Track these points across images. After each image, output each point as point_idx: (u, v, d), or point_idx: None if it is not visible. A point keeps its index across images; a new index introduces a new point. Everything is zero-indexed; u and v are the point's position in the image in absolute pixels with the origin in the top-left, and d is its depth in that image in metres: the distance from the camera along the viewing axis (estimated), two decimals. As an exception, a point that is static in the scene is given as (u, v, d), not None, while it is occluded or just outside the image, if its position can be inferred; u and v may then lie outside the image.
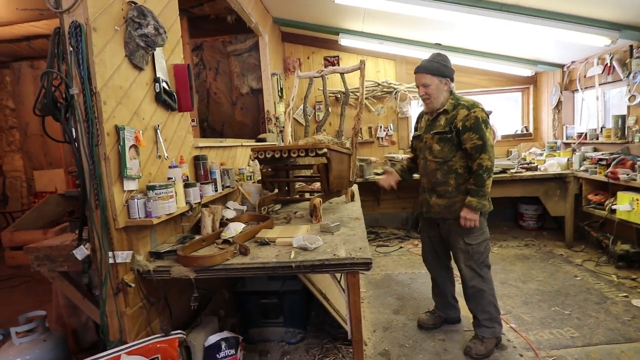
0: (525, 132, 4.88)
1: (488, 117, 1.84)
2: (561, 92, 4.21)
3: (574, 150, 3.87)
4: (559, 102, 4.27)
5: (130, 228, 1.34)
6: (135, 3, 1.42)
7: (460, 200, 1.88)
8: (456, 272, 2.10)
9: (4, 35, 4.26)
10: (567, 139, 4.19)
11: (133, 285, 1.31)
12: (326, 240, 1.53)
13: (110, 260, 1.26)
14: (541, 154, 4.18)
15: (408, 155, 2.37)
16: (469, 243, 1.91)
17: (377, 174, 4.26)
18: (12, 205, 5.58)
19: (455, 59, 4.32)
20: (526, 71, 4.48)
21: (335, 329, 2.28)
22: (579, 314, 2.35)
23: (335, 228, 1.69)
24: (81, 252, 1.26)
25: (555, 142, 4.26)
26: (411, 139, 2.26)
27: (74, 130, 1.24)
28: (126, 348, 1.25)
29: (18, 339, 1.77)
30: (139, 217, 1.31)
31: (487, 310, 1.95)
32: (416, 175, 2.21)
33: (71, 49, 1.18)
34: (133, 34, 1.37)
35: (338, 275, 1.46)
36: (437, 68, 1.86)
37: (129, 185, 1.31)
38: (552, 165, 3.74)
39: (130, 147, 1.30)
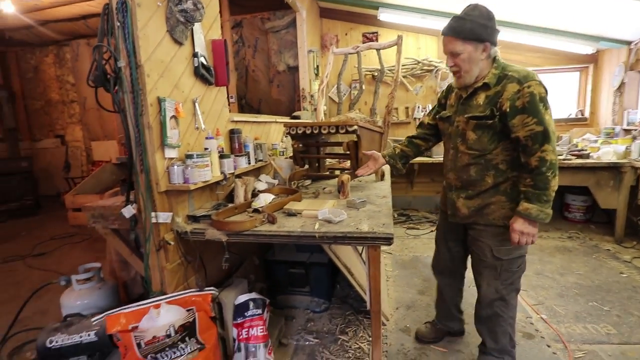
0: (580, 116, 4.48)
1: (547, 94, 1.37)
2: (625, 72, 3.78)
3: (634, 138, 3.50)
4: (622, 84, 3.85)
5: (171, 192, 1.46)
6: (176, -21, 1.48)
7: (497, 202, 1.48)
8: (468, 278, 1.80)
9: (64, 15, 4.61)
10: (627, 125, 3.79)
11: (172, 243, 1.45)
12: (351, 215, 1.57)
13: (153, 220, 1.39)
14: (595, 141, 3.84)
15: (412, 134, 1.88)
16: (498, 257, 1.50)
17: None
18: (73, 171, 6.21)
19: (504, 35, 4.03)
20: (586, 48, 4.05)
21: (359, 302, 2.35)
22: (619, 312, 2.22)
23: (361, 204, 1.72)
24: (128, 211, 1.40)
25: (613, 129, 3.87)
26: (430, 111, 1.80)
27: (121, 100, 1.35)
28: (166, 298, 1.40)
29: (78, 285, 2.04)
30: (178, 183, 1.43)
31: (499, 340, 1.61)
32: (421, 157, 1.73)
33: (118, 23, 1.28)
34: (173, 10, 1.44)
35: (360, 248, 1.50)
36: (471, 30, 1.37)
37: (170, 153, 1.43)
38: (607, 153, 3.42)
39: (171, 117, 1.40)
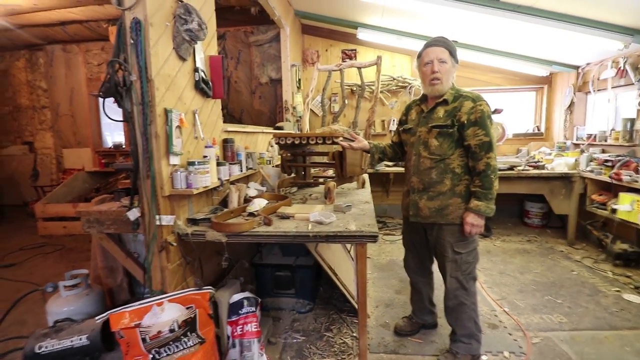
0: (536, 131, 4.95)
1: (491, 113, 1.71)
2: (574, 93, 4.27)
3: (582, 151, 3.95)
4: (572, 103, 4.34)
5: (173, 197, 1.57)
6: (182, 1, 1.62)
7: (454, 204, 1.72)
8: (437, 277, 2.02)
9: (41, 20, 4.55)
10: (576, 139, 4.27)
11: (175, 244, 1.55)
12: (339, 218, 1.74)
13: (157, 223, 1.49)
14: (550, 154, 4.28)
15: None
16: (458, 252, 1.76)
17: (387, 165, 4.43)
18: (42, 180, 5.97)
19: (470, 56, 4.44)
20: (541, 71, 4.54)
21: (342, 302, 2.50)
22: (570, 304, 2.52)
23: (346, 208, 1.89)
24: (133, 214, 1.49)
25: (565, 143, 4.34)
26: (395, 131, 2.06)
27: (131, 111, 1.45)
28: (169, 296, 1.49)
29: (65, 291, 2.05)
30: (181, 188, 1.54)
31: (467, 326, 1.83)
32: (388, 165, 1.95)
33: (132, 41, 1.39)
34: (180, 29, 1.57)
35: (348, 246, 1.66)
36: (453, 48, 1.70)
37: (174, 160, 1.54)
38: (559, 164, 3.84)
39: (176, 127, 1.52)
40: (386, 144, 2.10)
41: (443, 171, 1.73)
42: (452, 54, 1.70)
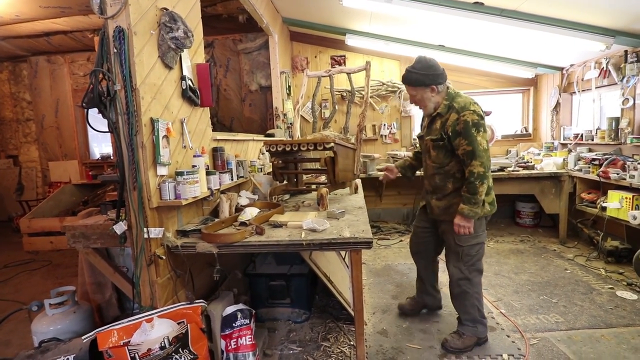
0: (524, 132, 5.02)
1: (481, 119, 1.77)
2: (560, 94, 4.35)
3: (569, 151, 4.01)
4: (558, 104, 4.41)
5: (161, 208, 1.52)
6: (167, 9, 1.59)
7: (458, 203, 1.85)
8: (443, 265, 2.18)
9: (25, 31, 4.46)
10: (564, 139, 4.34)
11: (164, 257, 1.50)
12: (332, 225, 1.71)
13: (145, 236, 1.44)
14: (539, 154, 4.33)
15: (411, 153, 2.41)
16: (459, 244, 1.91)
17: (379, 170, 4.42)
18: (27, 194, 5.81)
19: (457, 60, 4.50)
20: (527, 73, 4.61)
21: (338, 310, 2.46)
22: (565, 303, 2.52)
23: (340, 215, 1.87)
24: (120, 227, 1.44)
25: (553, 143, 4.41)
26: (415, 136, 2.31)
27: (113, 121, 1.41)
28: (158, 312, 1.44)
29: (51, 310, 1.97)
30: (170, 199, 1.49)
31: (469, 312, 1.98)
32: (419, 173, 2.30)
33: (115, 50, 1.36)
34: (165, 37, 1.54)
35: (343, 253, 1.64)
36: (417, 79, 1.84)
37: (161, 170, 1.50)
38: (548, 164, 3.89)
39: (163, 137, 1.48)
40: (410, 158, 2.33)
41: (445, 177, 1.93)
42: (417, 84, 1.84)
